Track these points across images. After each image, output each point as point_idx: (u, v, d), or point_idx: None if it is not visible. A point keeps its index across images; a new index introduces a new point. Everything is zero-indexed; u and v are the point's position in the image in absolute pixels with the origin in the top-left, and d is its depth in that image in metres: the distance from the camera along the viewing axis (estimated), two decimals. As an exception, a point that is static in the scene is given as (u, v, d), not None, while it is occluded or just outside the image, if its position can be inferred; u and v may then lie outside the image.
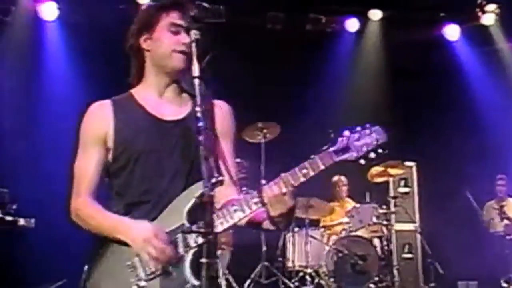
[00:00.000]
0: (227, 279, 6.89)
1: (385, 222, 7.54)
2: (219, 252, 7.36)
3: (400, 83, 8.82)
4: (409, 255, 8.10)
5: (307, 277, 7.19)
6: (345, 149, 2.35)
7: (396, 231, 8.07)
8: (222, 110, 2.62)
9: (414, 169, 8.52)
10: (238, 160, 6.97)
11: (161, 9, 2.57)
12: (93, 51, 8.21)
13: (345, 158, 2.35)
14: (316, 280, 7.19)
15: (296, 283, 7.11)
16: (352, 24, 9.45)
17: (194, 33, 2.34)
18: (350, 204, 8.09)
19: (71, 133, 7.53)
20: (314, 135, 7.68)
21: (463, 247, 7.73)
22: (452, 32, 9.40)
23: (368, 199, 7.69)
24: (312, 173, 2.30)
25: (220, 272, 6.87)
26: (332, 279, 7.08)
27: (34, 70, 8.21)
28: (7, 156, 7.19)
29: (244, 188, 7.04)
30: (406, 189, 8.31)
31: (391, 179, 8.09)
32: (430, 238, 8.06)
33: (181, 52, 2.47)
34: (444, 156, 8.43)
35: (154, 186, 2.43)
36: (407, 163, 8.17)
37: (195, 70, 2.27)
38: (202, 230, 2.05)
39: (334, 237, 7.53)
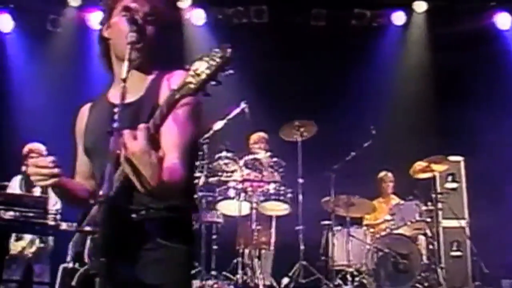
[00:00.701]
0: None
1: (428, 219, 7.34)
2: (262, 251, 7.42)
3: (446, 77, 8.55)
4: (457, 253, 7.82)
5: (348, 276, 7.09)
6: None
7: (444, 228, 7.82)
8: (167, 79, 2.43)
9: (462, 164, 8.23)
10: (275, 159, 7.04)
11: None
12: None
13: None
14: (357, 279, 7.08)
15: (337, 282, 7.02)
16: (398, 17, 9.27)
17: (130, 35, 2.30)
18: (395, 201, 7.94)
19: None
20: (351, 133, 7.67)
21: (509, 245, 7.43)
22: (503, 20, 9.04)
23: (411, 196, 7.50)
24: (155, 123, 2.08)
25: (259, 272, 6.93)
26: (372, 278, 6.95)
27: (80, 77, 8.51)
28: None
29: (282, 188, 7.14)
30: (454, 185, 8.03)
31: (437, 175, 7.86)
32: (476, 235, 7.78)
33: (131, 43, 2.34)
34: (493, 150, 8.10)
35: (98, 168, 2.45)
36: (453, 158, 7.91)
37: (123, 72, 2.24)
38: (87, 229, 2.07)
39: (376, 235, 7.40)
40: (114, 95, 2.54)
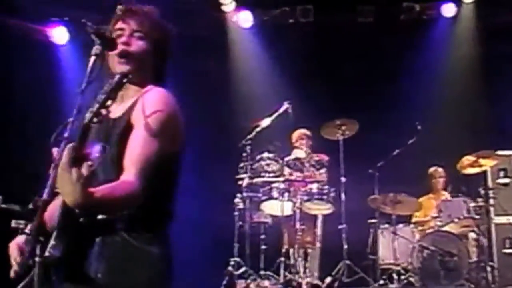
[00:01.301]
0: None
1: (477, 216, 7.14)
2: (308, 251, 7.44)
3: (495, 69, 8.27)
4: (510, 250, 7.56)
5: (395, 275, 7.00)
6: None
7: (495, 224, 7.58)
8: (142, 98, 2.52)
9: (512, 158, 7.94)
10: (317, 158, 7.03)
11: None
12: (190, 68, 8.65)
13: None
14: (404, 278, 6.98)
15: (383, 281, 6.94)
16: (448, 9, 9.05)
17: (96, 48, 2.42)
18: (446, 197, 7.76)
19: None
20: (394, 131, 7.57)
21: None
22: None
23: (458, 192, 7.32)
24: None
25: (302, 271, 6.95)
26: (418, 277, 6.84)
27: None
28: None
29: (325, 187, 7.13)
30: (506, 180, 7.76)
31: (489, 170, 7.63)
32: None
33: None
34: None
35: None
36: (503, 152, 7.65)
37: (83, 84, 2.36)
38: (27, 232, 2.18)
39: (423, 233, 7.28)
40: (113, 109, 2.65)
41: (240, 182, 7.39)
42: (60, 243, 2.26)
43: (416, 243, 7.01)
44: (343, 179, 7.22)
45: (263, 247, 7.35)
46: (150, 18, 2.67)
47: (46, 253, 2.25)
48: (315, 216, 7.48)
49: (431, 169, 8.06)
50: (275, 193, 7.28)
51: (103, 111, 2.18)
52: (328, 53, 8.59)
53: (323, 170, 7.35)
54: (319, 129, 7.51)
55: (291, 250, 7.26)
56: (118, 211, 2.34)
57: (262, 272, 7.08)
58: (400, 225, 7.35)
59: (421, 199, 7.74)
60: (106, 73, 2.63)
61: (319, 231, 7.46)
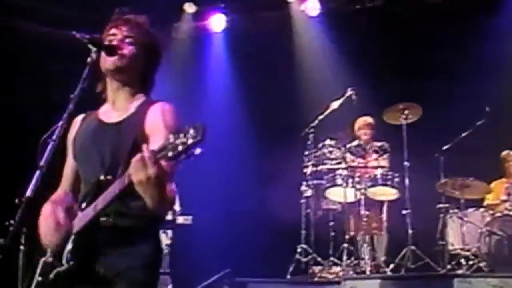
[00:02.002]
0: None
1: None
2: (374, 237, 7.42)
3: None
4: None
5: (463, 260, 6.84)
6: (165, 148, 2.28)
7: None
8: (153, 109, 2.78)
9: None
10: (378, 144, 7.01)
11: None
12: (254, 60, 8.82)
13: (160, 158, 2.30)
14: (472, 263, 6.80)
15: (450, 266, 6.80)
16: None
17: (90, 57, 2.69)
18: (517, 180, 7.48)
19: (228, 138, 8.18)
20: (459, 115, 7.37)
21: None
22: None
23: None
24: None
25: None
26: (486, 262, 6.65)
27: (199, 81, 9.06)
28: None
29: (390, 172, 7.07)
30: None
31: None
32: None
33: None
34: None
35: (87, 178, 2.77)
36: None
37: (77, 90, 2.57)
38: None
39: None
40: (104, 113, 2.90)
41: (305, 170, 7.49)
42: (76, 249, 2.54)
43: (484, 228, 6.82)
44: (406, 164, 7.12)
45: (332, 234, 7.43)
46: (141, 26, 2.90)
47: (64, 259, 2.54)
48: (381, 202, 7.44)
49: (504, 153, 7.80)
50: (339, 180, 7.30)
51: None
52: (393, 38, 8.46)
53: (385, 156, 7.29)
54: (382, 114, 7.43)
55: (357, 236, 7.28)
56: (164, 213, 2.78)
57: (330, 259, 7.16)
58: (470, 210, 7.17)
59: (493, 184, 7.51)
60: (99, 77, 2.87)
61: (385, 216, 7.41)
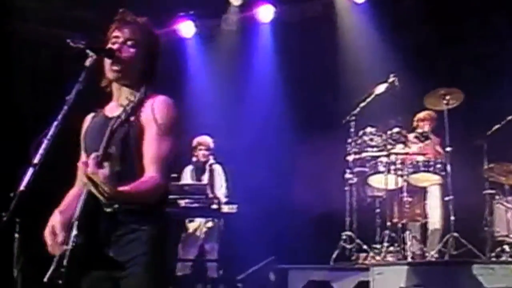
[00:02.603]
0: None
1: None
2: (417, 223, 7.40)
3: None
4: None
5: (507, 247, 6.72)
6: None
7: None
8: (150, 102, 2.90)
9: None
10: (420, 130, 6.91)
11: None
12: (300, 50, 8.90)
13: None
14: (517, 250, 6.67)
15: (494, 253, 6.70)
16: None
17: (89, 60, 2.86)
18: None
19: (272, 128, 8.31)
20: (502, 100, 7.20)
21: None
22: None
23: None
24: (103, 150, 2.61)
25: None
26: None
27: (246, 72, 9.21)
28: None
29: (432, 158, 7.02)
30: None
31: None
32: None
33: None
34: None
35: None
36: None
37: (73, 92, 2.78)
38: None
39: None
40: (110, 109, 3.08)
41: (347, 158, 7.53)
42: (81, 232, 2.70)
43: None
44: (448, 150, 7.04)
45: (377, 220, 7.45)
46: (143, 28, 3.05)
47: (71, 242, 2.70)
48: (424, 189, 7.39)
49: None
50: (381, 167, 7.31)
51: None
52: (436, 24, 8.34)
53: (427, 142, 7.24)
54: (423, 99, 7.37)
55: (400, 223, 7.26)
56: (146, 201, 2.76)
57: (373, 245, 7.20)
58: (512, 196, 7.03)
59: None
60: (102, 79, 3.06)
61: (428, 203, 7.36)
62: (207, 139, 8.13)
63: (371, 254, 7.10)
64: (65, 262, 2.77)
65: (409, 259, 6.73)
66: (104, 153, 2.59)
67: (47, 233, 2.86)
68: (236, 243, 7.89)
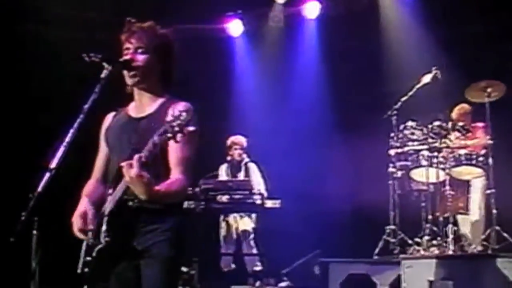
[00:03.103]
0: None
1: None
2: (459, 217, 7.36)
3: None
4: None
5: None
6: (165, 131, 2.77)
7: None
8: (174, 107, 3.10)
9: None
10: (461, 123, 6.93)
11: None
12: (347, 47, 8.97)
13: (164, 138, 2.78)
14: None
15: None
16: None
17: (105, 72, 3.11)
18: None
19: (317, 130, 8.43)
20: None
21: None
22: None
23: None
24: (147, 153, 2.82)
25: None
26: None
27: (288, 69, 9.35)
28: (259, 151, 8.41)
29: (474, 152, 6.96)
30: None
31: None
32: None
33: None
34: None
35: (114, 167, 3.17)
36: None
37: (89, 101, 3.03)
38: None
39: None
40: (132, 109, 3.34)
41: (390, 152, 7.57)
42: (110, 228, 2.99)
43: None
44: (490, 142, 6.97)
45: (421, 214, 7.45)
46: (148, 32, 3.26)
47: (101, 239, 3.00)
48: (467, 182, 7.35)
49: None
50: (423, 161, 7.31)
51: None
52: (478, 15, 8.24)
53: (468, 135, 7.19)
54: (463, 92, 7.32)
55: (442, 217, 7.24)
56: (174, 200, 3.08)
57: (415, 239, 7.22)
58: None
59: None
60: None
61: (472, 196, 7.31)
62: (241, 139, 8.41)
63: (415, 247, 7.13)
64: (94, 253, 3.05)
65: (450, 253, 6.73)
66: (147, 156, 2.83)
67: (77, 217, 3.16)
68: (280, 238, 8.07)
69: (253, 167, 8.39)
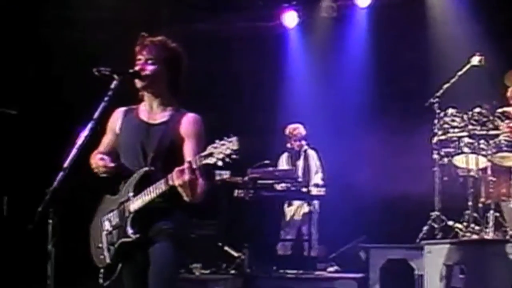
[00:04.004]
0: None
1: None
2: (502, 203, 7.36)
3: None
4: None
5: None
6: (209, 155, 3.22)
7: None
8: (187, 119, 3.65)
9: None
10: (500, 110, 6.98)
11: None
12: (396, 35, 9.09)
13: (207, 162, 3.25)
14: None
15: None
16: None
17: (114, 83, 3.56)
18: None
19: (363, 119, 8.67)
20: None
21: None
22: None
23: None
24: (195, 165, 3.31)
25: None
26: None
27: (338, 59, 9.55)
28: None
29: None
30: None
31: None
32: None
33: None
34: None
35: (128, 164, 3.69)
36: None
37: (97, 113, 3.48)
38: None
39: None
40: (142, 112, 3.79)
41: (433, 139, 7.67)
42: (135, 225, 3.54)
43: None
44: (531, 132, 6.95)
45: (467, 200, 7.51)
46: (159, 46, 3.71)
47: (129, 236, 3.53)
48: (510, 168, 7.34)
49: None
50: (464, 148, 7.37)
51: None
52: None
53: (507, 121, 7.17)
54: (503, 77, 7.32)
55: (485, 203, 7.28)
56: (199, 200, 3.52)
57: (456, 225, 7.32)
58: None
59: None
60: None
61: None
62: (299, 127, 8.67)
63: (457, 233, 7.23)
64: (116, 245, 3.61)
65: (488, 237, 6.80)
66: (191, 163, 3.32)
67: (96, 157, 3.72)
68: (329, 224, 8.36)
69: (312, 154, 8.70)
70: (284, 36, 10.48)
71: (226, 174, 8.19)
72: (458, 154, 7.44)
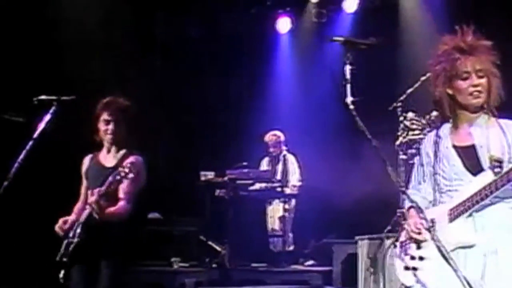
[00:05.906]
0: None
1: None
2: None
3: None
4: None
5: None
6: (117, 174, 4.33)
7: None
8: (127, 160, 4.55)
9: None
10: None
11: None
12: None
13: (115, 180, 4.36)
14: None
15: None
16: None
17: (53, 108, 4.46)
18: None
19: (336, 127, 9.02)
20: None
21: None
22: None
23: None
24: (104, 188, 4.46)
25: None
26: None
27: (320, 65, 9.97)
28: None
29: None
30: None
31: None
32: None
33: None
34: None
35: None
36: None
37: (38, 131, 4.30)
38: None
39: None
40: (103, 157, 4.79)
41: (396, 142, 8.09)
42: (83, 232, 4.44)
43: None
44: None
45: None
46: (120, 107, 4.67)
47: (76, 238, 4.45)
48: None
49: None
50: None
51: None
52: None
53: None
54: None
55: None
56: (118, 219, 4.52)
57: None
58: None
59: None
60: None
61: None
62: (276, 134, 9.31)
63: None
64: (71, 248, 4.48)
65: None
66: (104, 190, 4.33)
67: (60, 221, 4.59)
68: (305, 221, 8.90)
69: (290, 158, 9.30)
70: (276, 41, 10.98)
71: (210, 175, 8.84)
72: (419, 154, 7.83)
